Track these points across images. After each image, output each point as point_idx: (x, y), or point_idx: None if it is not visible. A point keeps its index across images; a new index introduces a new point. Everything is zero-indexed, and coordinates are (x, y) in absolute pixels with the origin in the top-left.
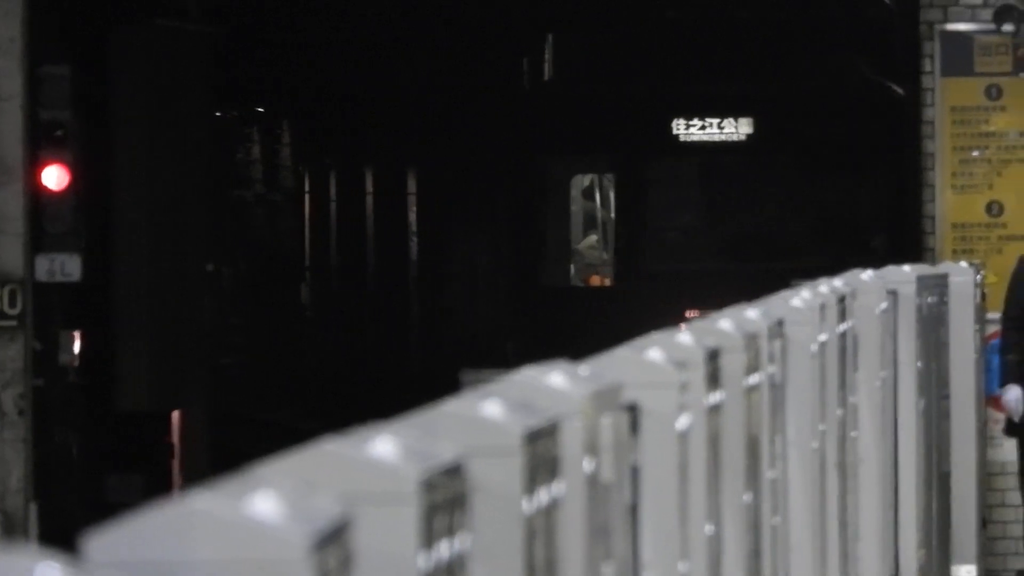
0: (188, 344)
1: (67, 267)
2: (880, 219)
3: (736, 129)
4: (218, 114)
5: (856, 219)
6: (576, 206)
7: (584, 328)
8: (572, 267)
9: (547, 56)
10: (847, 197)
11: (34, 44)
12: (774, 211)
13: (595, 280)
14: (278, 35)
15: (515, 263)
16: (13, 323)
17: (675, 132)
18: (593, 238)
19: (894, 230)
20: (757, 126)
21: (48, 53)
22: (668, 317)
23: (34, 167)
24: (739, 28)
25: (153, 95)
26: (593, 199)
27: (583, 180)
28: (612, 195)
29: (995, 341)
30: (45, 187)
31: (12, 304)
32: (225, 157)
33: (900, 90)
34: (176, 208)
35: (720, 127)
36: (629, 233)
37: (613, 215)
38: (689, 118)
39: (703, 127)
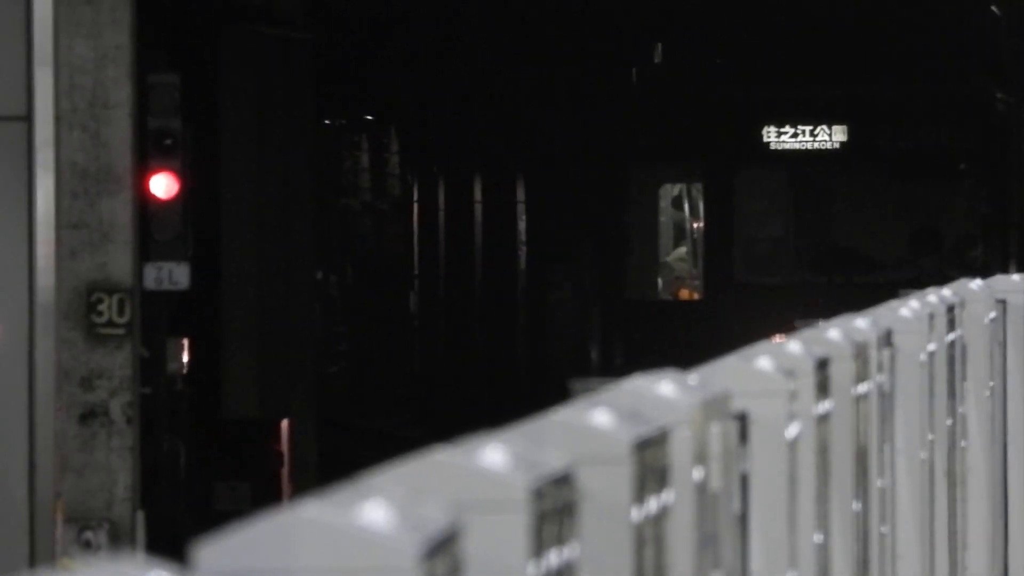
0: (296, 352)
1: (175, 275)
2: (977, 229)
3: (830, 137)
4: (326, 122)
5: (952, 230)
6: (665, 216)
7: (671, 343)
8: (660, 280)
9: (640, 63)
10: (942, 207)
11: (142, 52)
12: (867, 221)
13: (684, 294)
14: (385, 43)
15: (601, 275)
16: (121, 331)
17: (766, 140)
18: (682, 250)
19: (992, 240)
20: (851, 133)
21: (157, 61)
22: (759, 332)
23: (143, 175)
24: (836, 32)
25: (261, 103)
26: (682, 209)
27: (672, 189)
28: (701, 205)
29: None
30: (153, 195)
31: (120, 312)
32: (333, 165)
33: (1003, 99)
34: (284, 216)
35: (813, 134)
36: (719, 244)
37: (702, 225)
38: (781, 125)
39: (795, 134)
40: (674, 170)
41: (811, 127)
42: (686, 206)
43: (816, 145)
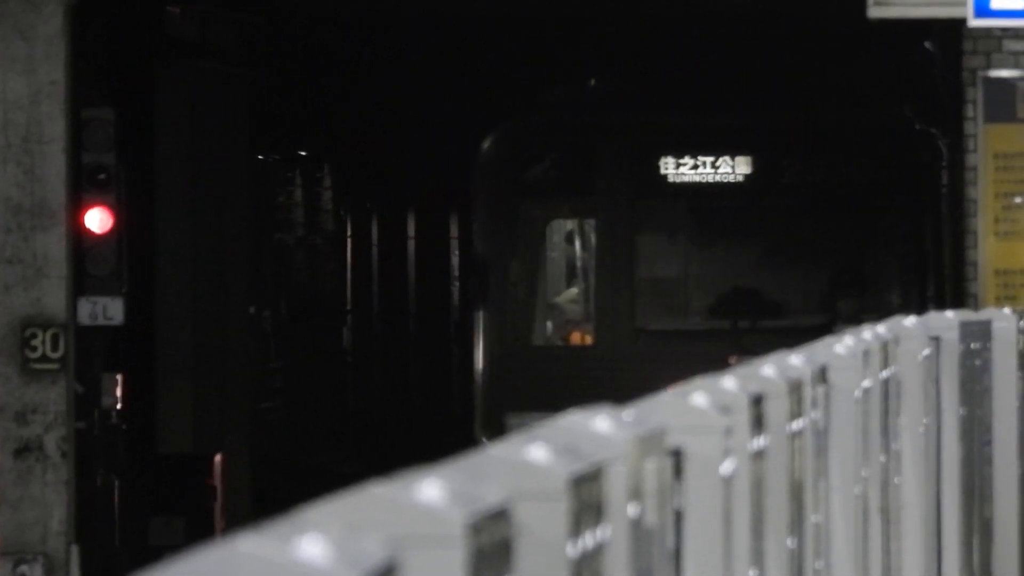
0: (230, 387)
1: (110, 310)
2: (895, 271)
3: (732, 168)
4: (260, 157)
5: (869, 271)
6: (556, 254)
7: (560, 391)
8: (549, 323)
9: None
10: (857, 246)
11: (77, 87)
12: (776, 261)
13: (576, 338)
14: (318, 78)
15: (489, 319)
16: (55, 366)
17: (663, 172)
18: (574, 291)
19: (911, 282)
20: (756, 165)
21: (92, 96)
22: (658, 381)
23: (77, 210)
24: (742, 57)
25: (195, 138)
26: (573, 246)
27: (563, 225)
28: (593, 242)
29: None
30: (88, 230)
31: (55, 347)
32: (267, 201)
33: (929, 131)
34: (218, 251)
35: (714, 166)
36: (612, 285)
37: (594, 264)
38: (680, 155)
39: (695, 166)
40: (565, 205)
41: (712, 158)
42: (577, 243)
43: (718, 177)
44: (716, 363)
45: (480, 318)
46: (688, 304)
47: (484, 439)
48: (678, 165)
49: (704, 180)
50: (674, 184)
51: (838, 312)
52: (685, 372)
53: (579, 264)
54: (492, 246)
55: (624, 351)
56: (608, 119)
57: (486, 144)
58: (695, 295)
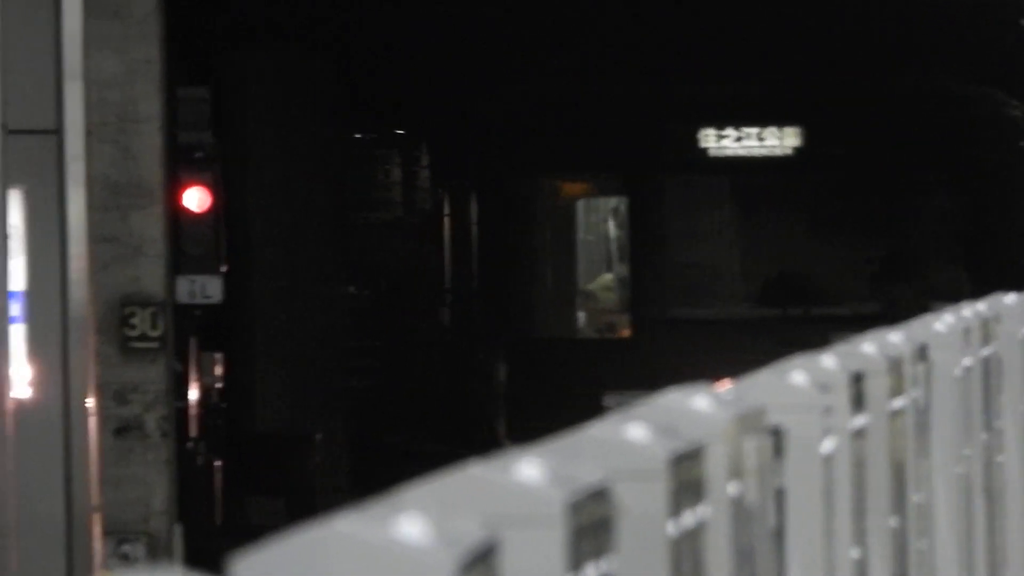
0: (328, 367)
1: (208, 289)
2: (958, 251)
3: (780, 141)
4: (357, 136)
5: (928, 252)
6: (592, 236)
7: (594, 388)
8: (581, 313)
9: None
10: (915, 226)
11: (172, 66)
12: (826, 243)
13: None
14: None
15: (504, 309)
16: (155, 345)
17: (703, 144)
18: (608, 277)
19: (974, 263)
20: (806, 137)
21: (185, 75)
22: (700, 376)
23: (174, 189)
24: (788, 19)
25: (289, 118)
26: (613, 228)
27: (592, 205)
28: (627, 223)
29: None
30: (186, 209)
31: (154, 326)
32: (364, 179)
33: (999, 104)
34: (315, 231)
35: (760, 138)
36: (647, 271)
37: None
38: (721, 127)
39: (738, 138)
40: (594, 182)
41: (758, 129)
42: (611, 225)
43: (764, 151)
44: (764, 355)
45: (496, 307)
46: (731, 291)
47: (508, 441)
48: (719, 137)
49: (748, 154)
50: (715, 159)
51: (893, 299)
52: (727, 366)
53: (613, 248)
54: (511, 228)
55: (660, 344)
56: (640, 86)
57: (502, 114)
58: (739, 281)
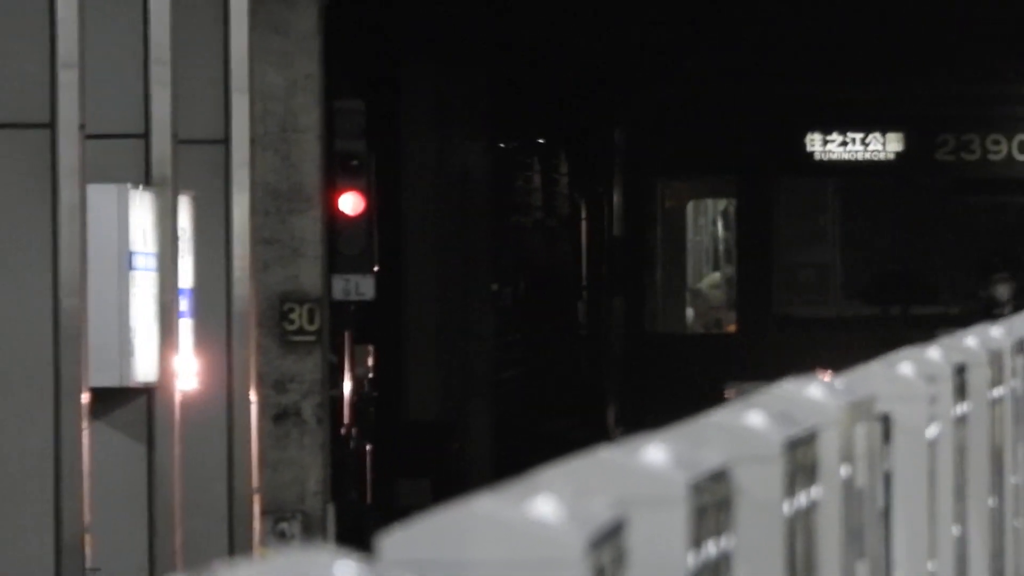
0: (473, 358)
1: (361, 287)
2: None
3: (883, 146)
4: (501, 145)
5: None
6: (702, 236)
7: (702, 383)
8: (690, 310)
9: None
10: (1014, 227)
11: (330, 80)
12: (927, 244)
13: (719, 325)
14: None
15: (621, 305)
16: (312, 338)
17: (810, 149)
18: (717, 276)
19: None
20: (908, 142)
21: (342, 88)
22: (803, 372)
23: (331, 194)
24: (891, 26)
25: (440, 129)
26: (721, 229)
27: (703, 207)
28: (734, 224)
29: None
30: (341, 213)
31: (311, 321)
32: (507, 185)
33: None
34: (461, 233)
35: (864, 143)
36: (755, 270)
37: (736, 248)
38: (827, 132)
39: (843, 143)
40: (704, 184)
41: (862, 134)
42: (719, 225)
43: (868, 155)
44: (867, 350)
45: (615, 304)
46: (836, 290)
47: (618, 430)
48: (825, 142)
49: (853, 158)
50: (821, 162)
51: (993, 299)
52: (830, 361)
53: (721, 247)
54: (628, 228)
55: (766, 339)
56: (750, 93)
57: (623, 119)
58: (843, 280)
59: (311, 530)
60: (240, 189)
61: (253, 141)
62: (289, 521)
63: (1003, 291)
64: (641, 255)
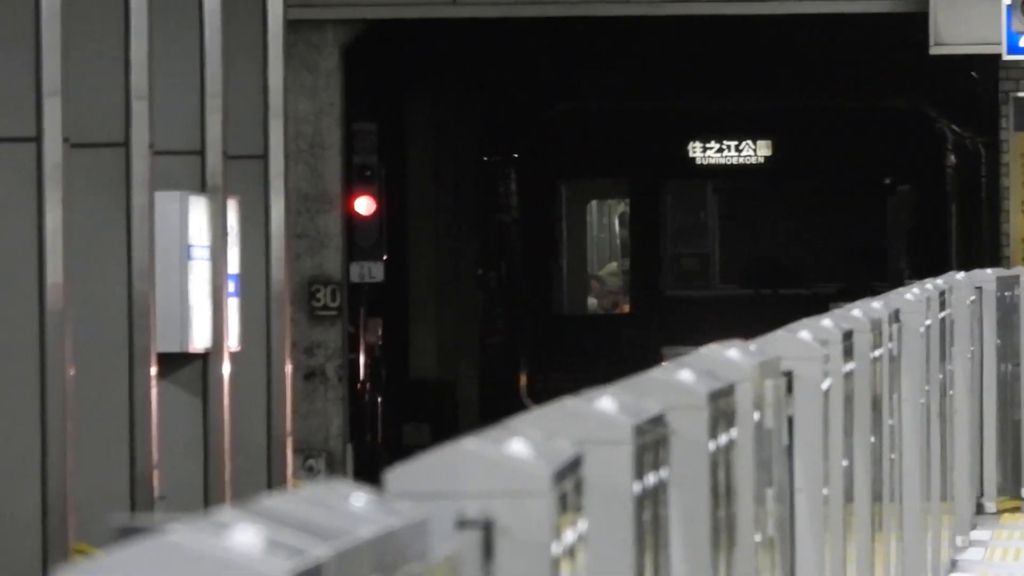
0: (465, 328)
1: (373, 271)
2: (904, 241)
3: (754, 152)
4: (485, 158)
5: (880, 242)
6: (602, 232)
7: (599, 356)
8: (591, 295)
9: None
10: (870, 220)
11: (349, 107)
12: (792, 235)
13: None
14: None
15: (532, 291)
16: (334, 313)
17: (691, 155)
18: (614, 265)
19: (921, 252)
20: (776, 148)
21: (359, 113)
22: (688, 345)
23: (349, 198)
24: (762, 46)
25: (438, 145)
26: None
27: (602, 206)
28: (628, 220)
29: None
30: (357, 213)
31: (333, 299)
32: (491, 190)
33: (934, 121)
34: (454, 228)
35: (738, 149)
36: (646, 259)
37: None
38: (706, 140)
39: (720, 149)
40: (602, 186)
41: (736, 142)
42: (616, 221)
43: (741, 160)
44: (742, 327)
45: (525, 289)
46: (715, 275)
47: (528, 400)
48: (704, 149)
49: (729, 163)
50: (701, 166)
51: (850, 281)
52: (711, 336)
53: (618, 241)
54: (537, 225)
55: (656, 319)
56: (639, 107)
57: (529, 131)
58: (720, 267)
59: (333, 466)
60: (276, 194)
61: (287, 156)
62: (316, 459)
63: (859, 276)
64: (549, 248)
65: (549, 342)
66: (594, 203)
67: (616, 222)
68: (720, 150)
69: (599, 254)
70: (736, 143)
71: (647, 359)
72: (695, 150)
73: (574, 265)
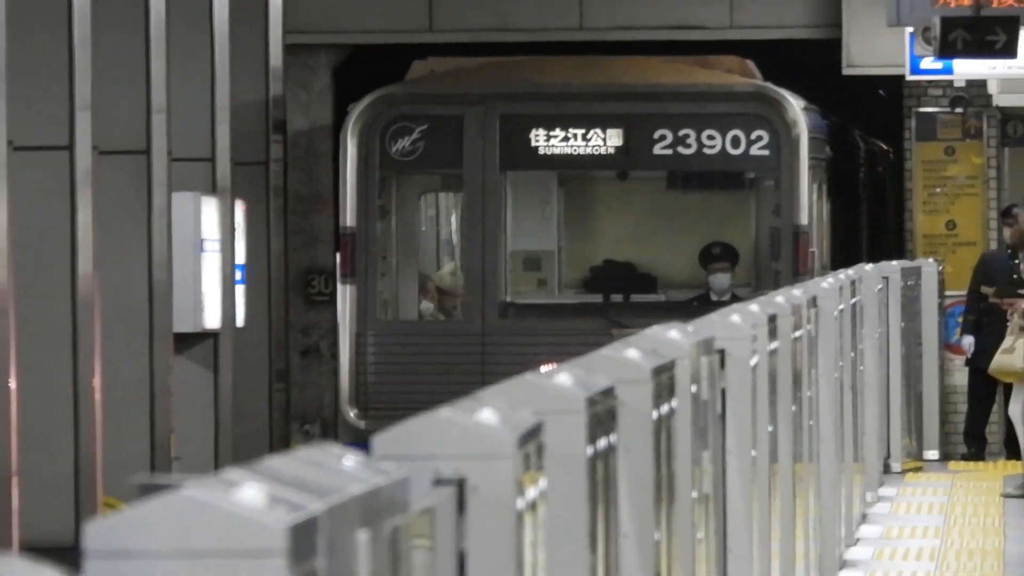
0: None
1: None
2: (768, 242)
3: (604, 141)
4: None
5: (743, 243)
6: (433, 229)
7: (433, 365)
8: (423, 298)
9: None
10: (730, 219)
11: (339, 121)
12: (647, 235)
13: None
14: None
15: (352, 294)
16: (326, 298)
17: (534, 144)
18: (452, 265)
19: (786, 252)
20: (627, 138)
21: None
22: (530, 356)
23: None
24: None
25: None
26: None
27: (435, 199)
28: (462, 215)
29: (954, 308)
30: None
31: (326, 286)
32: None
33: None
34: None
35: (585, 139)
36: (481, 259)
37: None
38: (550, 129)
39: (565, 138)
40: (433, 179)
41: (583, 130)
42: (452, 218)
43: (589, 150)
44: (589, 337)
45: (347, 292)
46: (560, 278)
47: (351, 415)
48: (548, 138)
49: (575, 153)
50: (544, 156)
51: (711, 286)
52: (556, 347)
53: (455, 238)
54: (363, 218)
55: (494, 324)
56: (478, 91)
57: (355, 114)
58: (566, 269)
59: (327, 432)
60: (276, 196)
61: (285, 163)
62: (311, 424)
63: (722, 280)
64: (373, 246)
65: (373, 351)
66: (424, 198)
67: (453, 219)
68: (565, 139)
69: (430, 254)
70: (583, 131)
71: (484, 372)
72: (538, 139)
73: (403, 266)
